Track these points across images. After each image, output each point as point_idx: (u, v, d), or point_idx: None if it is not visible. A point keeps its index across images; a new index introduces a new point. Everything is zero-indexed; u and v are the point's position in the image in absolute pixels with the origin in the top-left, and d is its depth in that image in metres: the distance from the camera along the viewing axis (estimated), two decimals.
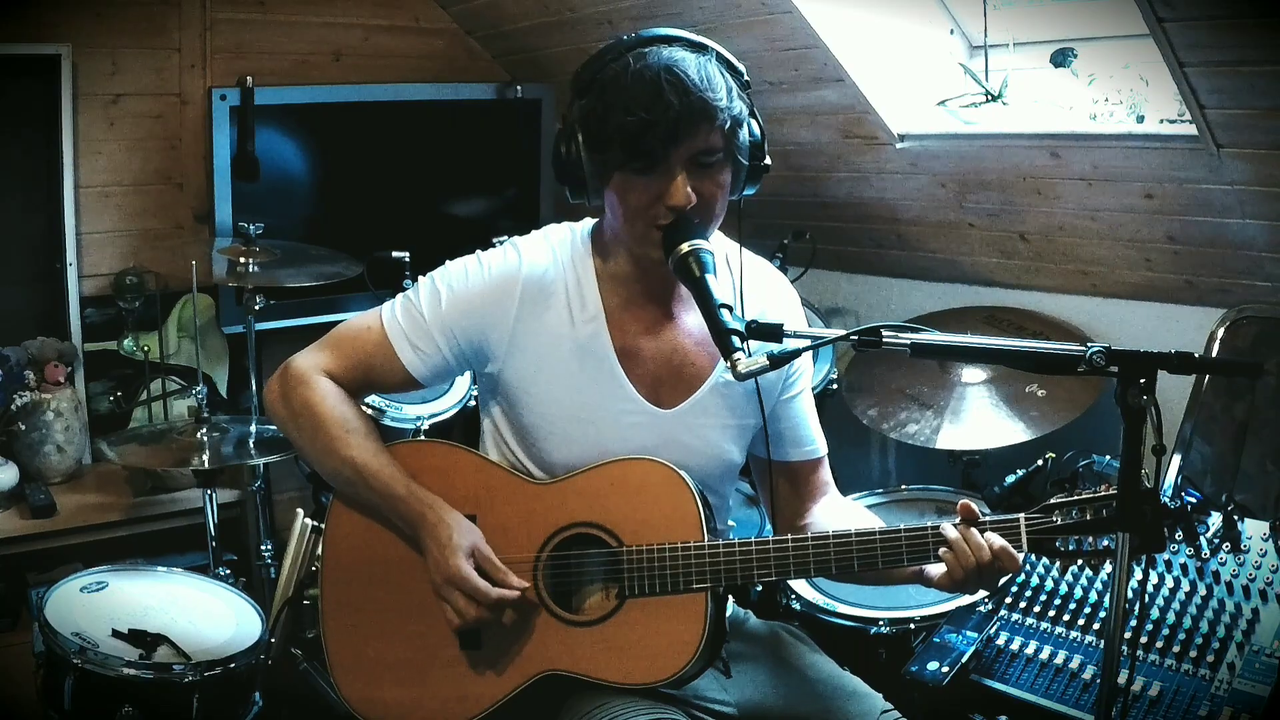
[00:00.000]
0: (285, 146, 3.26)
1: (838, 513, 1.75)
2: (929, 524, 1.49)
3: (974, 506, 1.48)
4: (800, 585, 2.25)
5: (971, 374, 2.72)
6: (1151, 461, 1.31)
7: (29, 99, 2.99)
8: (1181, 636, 1.78)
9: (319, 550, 1.74)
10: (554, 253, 1.65)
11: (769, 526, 1.80)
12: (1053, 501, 1.46)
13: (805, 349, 1.48)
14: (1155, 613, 1.82)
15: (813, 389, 1.82)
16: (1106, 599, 1.85)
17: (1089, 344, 1.33)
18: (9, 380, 2.80)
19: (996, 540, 1.45)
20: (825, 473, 1.80)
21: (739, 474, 1.80)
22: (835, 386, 2.94)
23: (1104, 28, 2.58)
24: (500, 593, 1.54)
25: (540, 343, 1.62)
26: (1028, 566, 1.98)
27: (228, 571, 2.63)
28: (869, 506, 2.53)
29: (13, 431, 2.87)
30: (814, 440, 1.78)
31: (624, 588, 1.55)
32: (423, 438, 2.59)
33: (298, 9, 3.33)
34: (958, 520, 1.48)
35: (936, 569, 1.50)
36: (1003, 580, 1.97)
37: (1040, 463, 2.46)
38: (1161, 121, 2.43)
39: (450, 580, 1.55)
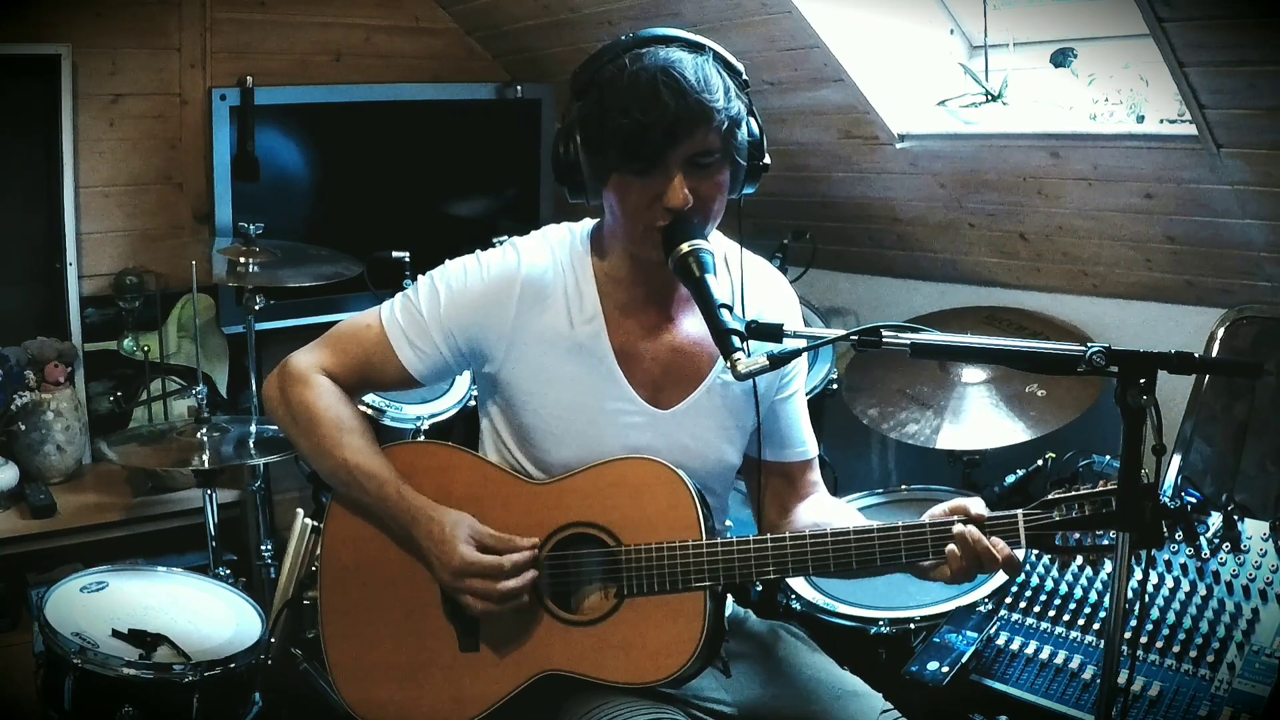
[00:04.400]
0: (285, 146, 3.27)
1: (823, 510, 1.75)
2: (926, 521, 1.49)
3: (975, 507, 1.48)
4: (800, 585, 2.25)
5: (971, 374, 2.72)
6: (1151, 461, 1.30)
7: (29, 99, 3.00)
8: (1181, 636, 1.78)
9: (318, 551, 1.74)
10: (553, 253, 1.65)
11: None
12: (1052, 497, 1.46)
13: (805, 349, 1.48)
14: (1155, 613, 1.82)
15: (813, 389, 1.83)
16: (1106, 599, 1.85)
17: (1089, 344, 1.33)
18: (9, 380, 2.80)
19: (1002, 547, 1.44)
20: (815, 474, 1.80)
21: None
22: (835, 386, 2.94)
23: (1104, 28, 2.58)
24: (513, 558, 1.53)
25: (539, 343, 1.62)
26: (1028, 566, 1.98)
27: (228, 571, 2.63)
28: (869, 506, 2.53)
29: (13, 431, 2.87)
30: (805, 441, 1.78)
31: (622, 587, 1.55)
32: (421, 438, 2.59)
33: (298, 9, 3.33)
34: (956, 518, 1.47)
35: (932, 562, 1.49)
36: (1004, 580, 1.99)
37: (1040, 463, 2.47)
38: (1161, 121, 2.43)
39: (458, 571, 1.54)
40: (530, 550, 1.55)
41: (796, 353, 1.47)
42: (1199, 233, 2.48)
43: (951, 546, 1.45)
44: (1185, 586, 1.84)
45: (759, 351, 1.44)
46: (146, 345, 3.19)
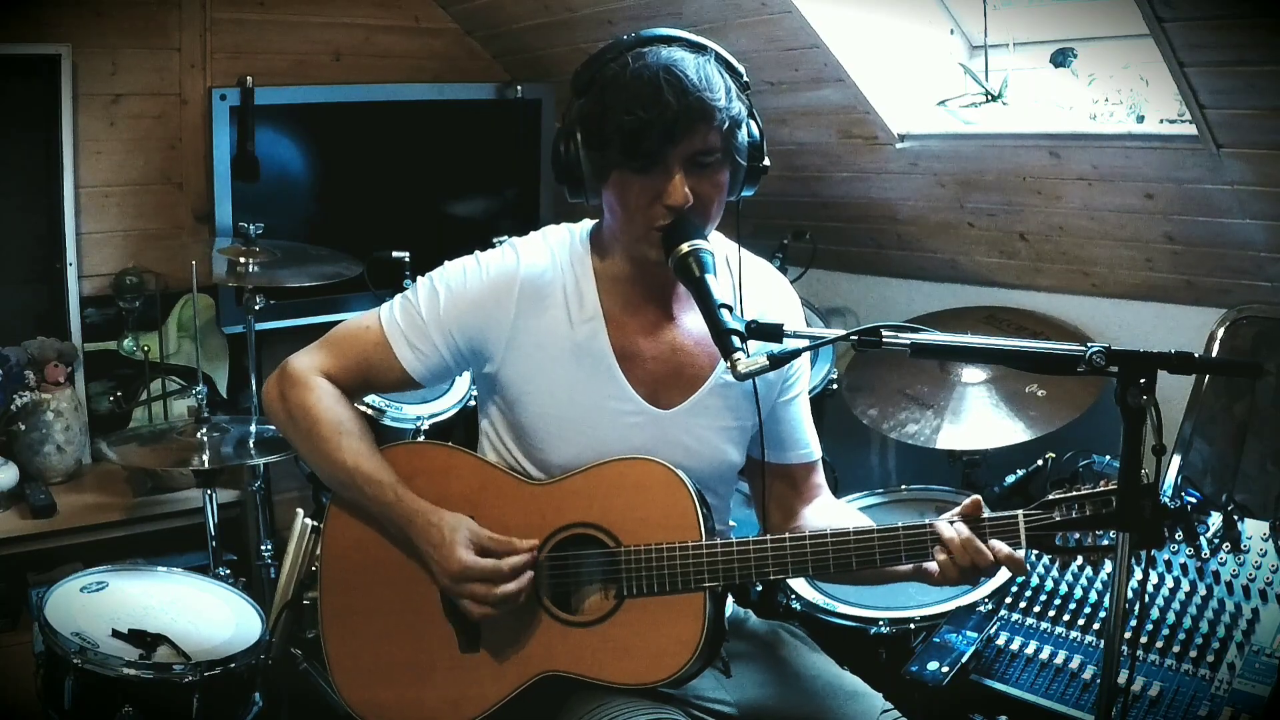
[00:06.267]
0: (285, 146, 3.26)
1: (828, 514, 1.75)
2: (927, 521, 1.49)
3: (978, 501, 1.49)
4: (800, 585, 2.25)
5: (971, 374, 2.72)
6: (1151, 461, 1.31)
7: (29, 99, 2.99)
8: (1181, 636, 1.78)
9: (318, 551, 1.74)
10: (552, 253, 1.65)
11: None
12: (1052, 498, 1.46)
13: (805, 349, 1.48)
14: (1155, 613, 1.82)
15: (813, 389, 1.82)
16: (1106, 599, 1.85)
17: (1089, 344, 1.33)
18: (9, 380, 2.80)
19: (1002, 549, 1.44)
20: (819, 476, 1.80)
21: (737, 475, 1.80)
22: (835, 386, 2.94)
23: (1104, 28, 2.58)
24: (511, 561, 1.53)
25: (538, 343, 1.62)
26: (1027, 566, 1.98)
27: (228, 571, 2.63)
28: (869, 506, 2.53)
29: (13, 431, 2.87)
30: (809, 444, 1.78)
31: (622, 588, 1.55)
32: (421, 439, 2.58)
33: (298, 9, 3.33)
34: (956, 518, 1.48)
35: (934, 565, 1.49)
36: (1004, 579, 1.99)
37: (1040, 463, 2.47)
38: (1161, 121, 2.43)
39: (457, 575, 1.54)
40: (529, 552, 1.55)
41: (796, 353, 1.47)
42: (1199, 233, 2.48)
43: (945, 551, 1.45)
44: (1185, 586, 1.84)
45: (759, 351, 1.44)
46: (146, 345, 3.19)
